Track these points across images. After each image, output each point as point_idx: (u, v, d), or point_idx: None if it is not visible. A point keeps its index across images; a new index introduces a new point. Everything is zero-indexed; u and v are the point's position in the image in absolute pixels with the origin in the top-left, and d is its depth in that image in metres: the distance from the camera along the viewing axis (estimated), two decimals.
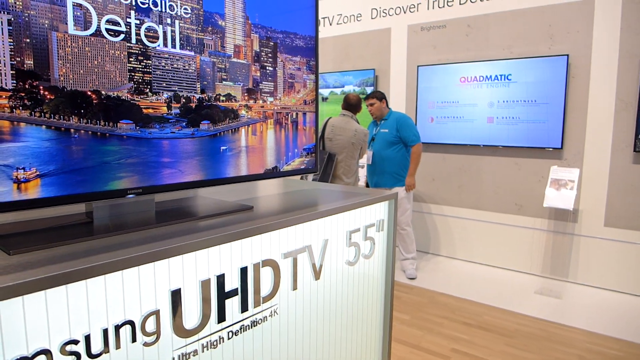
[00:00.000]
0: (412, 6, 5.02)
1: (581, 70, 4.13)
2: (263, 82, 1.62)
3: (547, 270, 4.40)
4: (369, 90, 5.31)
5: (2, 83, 1.03)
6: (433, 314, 3.68)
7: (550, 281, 4.31)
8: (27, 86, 1.07)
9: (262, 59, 1.61)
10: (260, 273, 1.26)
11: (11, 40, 1.04)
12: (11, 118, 1.05)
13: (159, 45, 1.31)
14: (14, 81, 1.04)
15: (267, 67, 1.63)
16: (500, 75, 4.51)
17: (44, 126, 1.10)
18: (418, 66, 4.94)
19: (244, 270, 1.22)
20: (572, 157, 4.24)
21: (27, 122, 1.07)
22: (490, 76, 4.56)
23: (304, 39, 1.76)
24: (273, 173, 1.64)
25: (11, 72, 1.04)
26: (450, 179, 4.87)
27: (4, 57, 1.03)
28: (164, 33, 1.31)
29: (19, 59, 1.05)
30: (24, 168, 1.03)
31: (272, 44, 1.64)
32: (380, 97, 4.01)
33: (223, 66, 1.49)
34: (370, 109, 4.03)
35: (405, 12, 5.08)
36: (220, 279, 1.16)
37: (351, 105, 4.07)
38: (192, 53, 1.40)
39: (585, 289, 4.17)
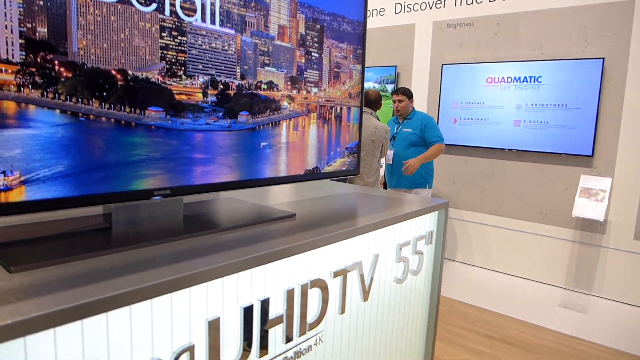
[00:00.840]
0: (439, 2, 4.79)
1: (617, 74, 3.91)
2: (308, 70, 1.41)
3: (570, 283, 4.19)
4: (390, 87, 5.10)
5: (8, 54, 0.82)
6: (453, 324, 3.48)
7: (574, 294, 4.10)
8: (39, 60, 0.86)
9: (307, 43, 1.40)
10: (307, 295, 1.06)
11: (21, 2, 0.83)
12: (18, 98, 0.84)
13: (196, 20, 1.10)
14: (23, 53, 0.84)
15: (313, 53, 1.42)
16: (530, 77, 4.29)
17: (57, 110, 0.89)
18: (442, 64, 4.72)
19: (290, 293, 1.01)
20: (603, 165, 4.02)
21: (38, 104, 0.86)
22: (519, 78, 4.34)
23: (351, 23, 1.55)
24: (313, 174, 1.44)
25: (20, 41, 0.83)
26: (472, 182, 4.66)
27: (12, 22, 0.82)
28: (203, 6, 1.11)
29: (30, 26, 0.85)
30: (4, 172, 0.81)
31: (319, 27, 1.43)
32: (410, 95, 3.80)
33: (266, 49, 1.28)
34: (398, 106, 3.81)
35: (430, 8, 4.86)
36: (265, 305, 0.95)
37: (371, 101, 3.86)
38: (233, 31, 1.19)
39: (611, 303, 3.97)
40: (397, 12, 5.11)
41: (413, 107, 3.89)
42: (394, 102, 3.83)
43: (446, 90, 4.71)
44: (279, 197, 1.58)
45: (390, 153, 3.88)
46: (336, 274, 1.14)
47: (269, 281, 0.97)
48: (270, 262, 0.95)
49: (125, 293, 0.70)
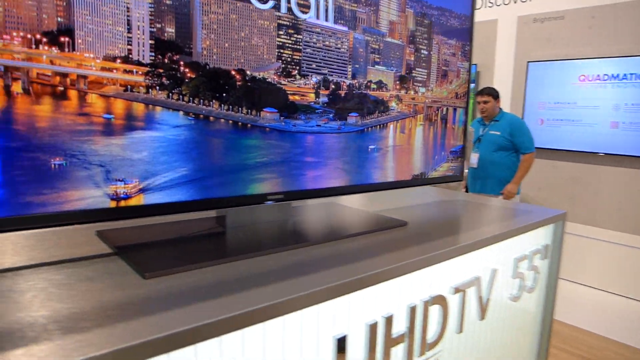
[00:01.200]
0: None
1: None
2: (416, 69, 1.32)
3: None
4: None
5: (139, 56, 0.81)
6: None
7: None
8: (166, 60, 0.84)
9: (416, 40, 1.31)
10: (428, 312, 0.97)
11: (151, 1, 0.82)
12: (146, 100, 0.82)
13: (310, 17, 1.05)
14: (152, 54, 0.82)
15: (421, 51, 1.33)
16: (631, 74, 3.90)
17: (181, 112, 0.87)
18: (528, 62, 4.42)
19: (412, 310, 0.93)
20: None
21: (164, 106, 0.85)
22: (617, 75, 3.97)
23: (459, 18, 1.45)
24: (420, 180, 1.35)
25: (150, 42, 0.82)
26: (561, 189, 4.33)
27: (143, 22, 0.81)
28: (317, 2, 1.05)
29: (159, 26, 0.83)
30: (123, 180, 0.79)
31: (427, 22, 1.34)
32: (496, 95, 3.56)
33: (377, 46, 1.21)
34: (483, 107, 3.59)
35: (515, 2, 4.58)
36: (389, 322, 0.88)
37: None
38: (346, 28, 1.13)
39: None
40: (477, 7, 4.87)
41: (500, 108, 3.64)
42: (479, 103, 3.62)
43: (532, 89, 4.42)
44: (377, 202, 1.50)
45: (474, 156, 3.66)
46: (456, 290, 1.04)
47: (393, 297, 0.89)
48: (395, 277, 0.87)
49: (261, 309, 0.65)
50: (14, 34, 0.69)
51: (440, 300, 1.00)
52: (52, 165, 0.72)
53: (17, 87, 0.69)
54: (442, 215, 1.38)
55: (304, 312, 0.72)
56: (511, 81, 4.65)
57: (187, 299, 0.66)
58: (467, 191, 3.97)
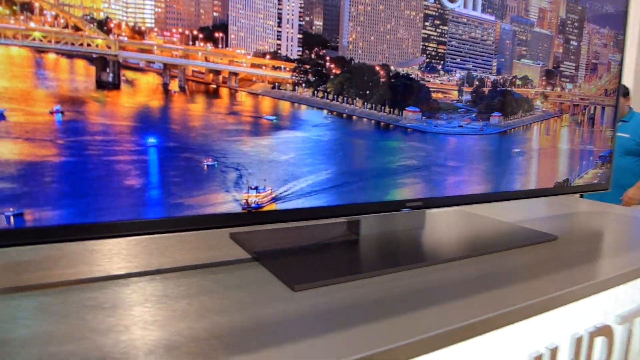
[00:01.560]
0: None
1: None
2: (564, 62, 1.17)
3: None
4: None
5: (286, 50, 0.76)
6: None
7: None
8: (313, 56, 0.79)
9: (567, 29, 1.16)
10: (593, 344, 0.84)
11: None
12: (292, 98, 0.78)
13: (458, 6, 0.95)
14: (300, 49, 0.77)
15: (571, 42, 1.18)
16: None
17: (325, 111, 0.81)
18: None
19: (578, 341, 0.81)
20: None
21: (309, 104, 0.79)
22: None
23: (614, 3, 1.26)
24: (563, 188, 1.20)
25: (298, 36, 0.77)
26: None
27: (292, 15, 0.76)
28: None
29: (308, 19, 0.78)
30: (256, 188, 0.74)
31: (580, 8, 1.18)
32: (626, 92, 3.16)
33: (524, 38, 1.08)
34: None
35: None
36: (553, 354, 0.76)
37: None
38: (493, 18, 1.01)
39: None
40: None
41: (630, 108, 3.22)
42: None
43: None
44: (496, 210, 1.36)
45: None
46: (623, 320, 0.90)
47: (557, 325, 0.77)
48: (563, 305, 0.75)
49: (436, 336, 0.57)
50: (174, 30, 0.67)
51: (606, 331, 0.86)
52: (204, 167, 0.70)
53: (174, 86, 0.67)
54: (589, 228, 1.21)
55: (469, 342, 0.64)
56: (633, 74, 4.16)
57: (351, 319, 0.59)
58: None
